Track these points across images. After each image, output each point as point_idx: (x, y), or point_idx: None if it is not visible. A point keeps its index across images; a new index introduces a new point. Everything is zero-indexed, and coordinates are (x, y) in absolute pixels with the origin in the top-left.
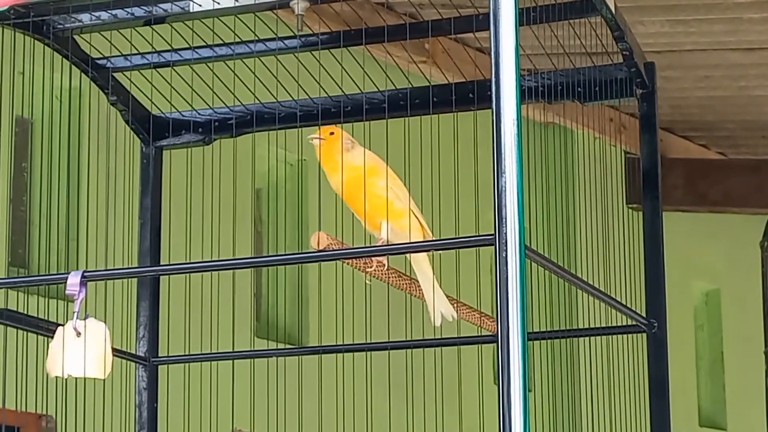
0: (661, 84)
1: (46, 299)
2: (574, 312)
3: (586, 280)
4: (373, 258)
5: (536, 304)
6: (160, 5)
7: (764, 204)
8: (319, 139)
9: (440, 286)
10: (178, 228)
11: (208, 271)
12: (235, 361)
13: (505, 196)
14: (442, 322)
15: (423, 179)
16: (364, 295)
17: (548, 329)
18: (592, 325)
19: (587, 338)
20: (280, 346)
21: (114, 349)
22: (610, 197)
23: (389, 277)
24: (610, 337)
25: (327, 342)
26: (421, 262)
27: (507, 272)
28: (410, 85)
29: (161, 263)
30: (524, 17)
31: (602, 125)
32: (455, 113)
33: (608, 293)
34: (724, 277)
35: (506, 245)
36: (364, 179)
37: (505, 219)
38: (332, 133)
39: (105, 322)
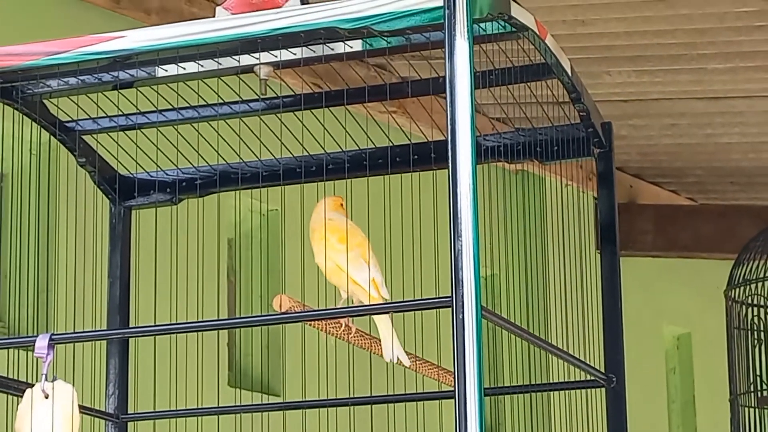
0: (630, 132)
1: (16, 351)
2: (538, 365)
3: (548, 337)
4: (340, 320)
5: (499, 356)
6: (127, 71)
7: (733, 249)
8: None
9: (400, 339)
10: (148, 283)
11: (175, 333)
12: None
13: (462, 258)
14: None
15: (386, 236)
16: (326, 350)
17: (513, 383)
18: (556, 378)
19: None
20: (254, 395)
21: (83, 407)
22: (580, 244)
23: (353, 338)
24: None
25: (296, 392)
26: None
27: (464, 334)
28: (370, 140)
29: (130, 320)
30: (480, 81)
31: (571, 172)
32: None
33: (567, 349)
34: (694, 321)
35: (463, 307)
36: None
37: (462, 281)
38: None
39: (73, 380)
